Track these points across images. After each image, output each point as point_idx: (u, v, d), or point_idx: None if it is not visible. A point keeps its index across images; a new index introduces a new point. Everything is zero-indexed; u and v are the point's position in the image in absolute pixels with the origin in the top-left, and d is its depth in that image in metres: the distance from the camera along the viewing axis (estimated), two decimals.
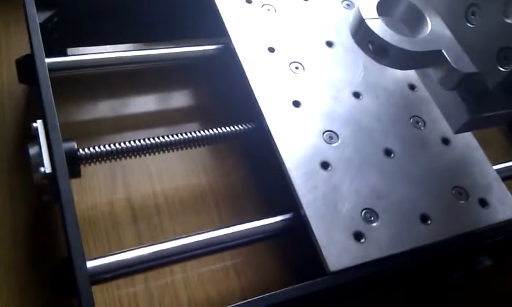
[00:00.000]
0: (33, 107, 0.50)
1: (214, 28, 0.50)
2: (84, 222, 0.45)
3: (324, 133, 0.45)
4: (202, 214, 0.48)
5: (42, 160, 0.38)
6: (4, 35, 0.54)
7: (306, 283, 0.37)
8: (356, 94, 0.49)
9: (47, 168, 0.38)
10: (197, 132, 0.45)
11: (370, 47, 0.42)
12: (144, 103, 0.53)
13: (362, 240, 0.40)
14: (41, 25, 0.45)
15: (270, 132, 0.44)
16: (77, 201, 0.44)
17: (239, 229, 0.40)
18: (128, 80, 0.54)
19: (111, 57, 0.48)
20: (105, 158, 0.43)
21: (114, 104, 0.52)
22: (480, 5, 0.40)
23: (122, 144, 0.43)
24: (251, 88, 0.46)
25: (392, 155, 0.46)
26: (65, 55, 0.50)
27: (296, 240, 0.41)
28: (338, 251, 0.39)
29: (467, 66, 0.41)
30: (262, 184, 0.50)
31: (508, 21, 0.38)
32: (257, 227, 0.41)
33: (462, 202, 0.45)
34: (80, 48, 0.52)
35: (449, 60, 0.41)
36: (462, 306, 0.50)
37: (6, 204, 0.44)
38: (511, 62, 0.38)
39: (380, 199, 0.42)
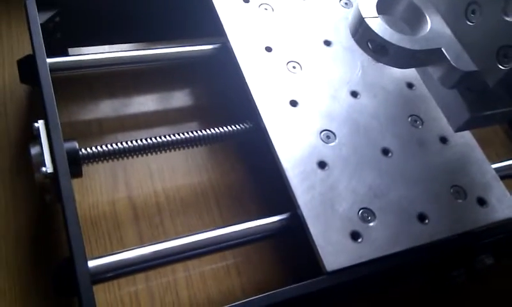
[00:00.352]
0: (35, 107, 0.50)
1: (213, 27, 0.50)
2: (86, 222, 0.45)
3: (321, 132, 0.45)
4: (203, 213, 0.48)
5: (44, 160, 0.38)
6: (5, 35, 0.54)
7: (302, 283, 0.37)
8: (354, 94, 0.49)
9: (48, 168, 0.38)
10: (193, 132, 0.45)
11: (370, 45, 0.42)
12: (145, 103, 0.54)
13: (359, 240, 0.40)
14: (43, 25, 0.46)
15: (267, 132, 0.44)
16: (78, 200, 0.45)
17: (235, 230, 0.40)
18: (128, 79, 0.54)
19: (111, 57, 0.48)
20: (106, 158, 0.43)
21: (115, 104, 0.53)
22: (480, 3, 0.40)
23: (123, 144, 0.43)
24: (248, 88, 0.46)
25: (390, 154, 0.46)
26: (66, 55, 0.50)
27: (298, 239, 0.41)
28: (335, 250, 0.38)
29: (467, 64, 0.41)
30: (264, 183, 0.50)
31: (508, 19, 0.38)
32: (254, 227, 0.41)
33: (460, 201, 0.45)
34: (82, 48, 0.52)
35: (449, 58, 0.41)
36: (464, 305, 0.50)
37: (8, 204, 0.45)
38: (510, 60, 0.38)
39: (377, 199, 0.42)
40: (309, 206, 0.40)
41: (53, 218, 0.44)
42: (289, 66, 0.49)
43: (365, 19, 0.40)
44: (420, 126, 0.49)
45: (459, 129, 0.45)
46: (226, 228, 0.40)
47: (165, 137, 0.44)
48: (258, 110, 0.45)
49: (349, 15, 0.54)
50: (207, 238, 0.39)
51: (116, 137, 0.51)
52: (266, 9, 0.53)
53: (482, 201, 0.45)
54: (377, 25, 0.41)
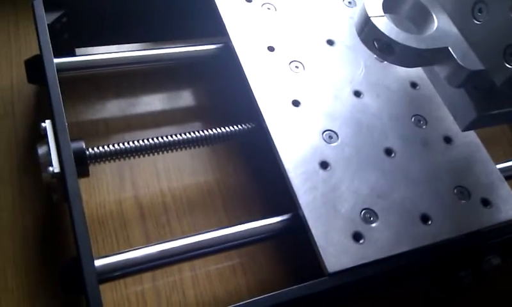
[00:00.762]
0: (42, 107, 0.50)
1: (217, 27, 0.50)
2: (93, 221, 0.45)
3: (323, 132, 0.45)
4: (209, 212, 0.48)
5: (51, 159, 0.39)
6: (13, 36, 0.54)
7: (303, 284, 0.37)
8: (357, 93, 0.49)
9: (55, 168, 0.38)
10: (196, 132, 0.45)
11: (376, 44, 0.41)
12: (151, 103, 0.54)
13: (361, 241, 0.39)
14: (50, 25, 0.46)
15: (269, 132, 0.44)
16: (85, 200, 0.45)
17: (237, 230, 0.40)
18: (135, 79, 0.54)
19: (117, 58, 0.48)
20: (113, 157, 0.43)
21: (122, 103, 0.53)
22: (487, 2, 0.40)
23: (129, 144, 0.43)
24: (250, 88, 0.46)
25: (393, 155, 0.45)
26: (74, 55, 0.50)
27: (303, 239, 0.41)
28: (336, 251, 0.38)
29: (474, 63, 0.41)
30: (269, 183, 0.50)
31: None
32: (256, 228, 0.41)
33: (464, 202, 0.44)
34: (89, 48, 0.53)
35: (455, 57, 0.40)
36: (471, 305, 0.49)
37: (16, 203, 0.45)
38: None
39: (380, 199, 0.42)
40: (311, 207, 0.40)
41: (60, 217, 0.45)
42: (292, 66, 0.49)
43: (371, 18, 0.40)
44: (424, 126, 0.48)
45: (466, 128, 0.45)
46: (229, 229, 0.40)
47: (170, 137, 0.44)
48: (260, 110, 0.45)
49: (353, 14, 0.55)
50: (210, 238, 0.39)
51: (123, 136, 0.51)
52: (269, 8, 0.52)
53: (486, 202, 0.44)
54: (384, 24, 0.41)
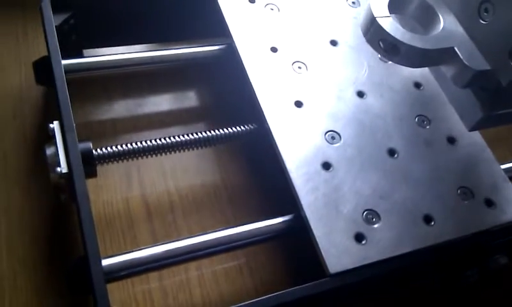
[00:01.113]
0: (51, 108, 0.51)
1: (222, 28, 0.51)
2: (100, 220, 0.45)
3: (326, 133, 0.45)
4: (216, 212, 0.48)
5: (59, 160, 0.39)
6: (22, 37, 0.55)
7: (304, 285, 0.37)
8: (360, 94, 0.49)
9: (63, 168, 0.39)
10: (197, 134, 0.45)
11: (381, 45, 0.41)
12: (158, 103, 0.54)
13: (363, 242, 0.39)
14: (58, 27, 0.46)
15: (271, 133, 0.44)
16: (93, 199, 0.46)
17: (238, 231, 0.40)
18: (142, 80, 0.55)
19: (124, 59, 0.49)
20: (121, 158, 0.44)
21: (129, 104, 0.53)
22: (494, 2, 0.40)
23: (136, 145, 0.44)
24: (252, 89, 0.46)
25: (396, 155, 0.45)
26: (82, 56, 0.51)
27: (307, 240, 0.41)
28: (338, 252, 0.38)
29: (480, 63, 0.41)
30: (275, 182, 0.50)
31: None
32: (257, 228, 0.41)
33: (467, 202, 0.44)
34: (96, 49, 0.53)
35: (461, 57, 0.40)
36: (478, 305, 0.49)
37: (24, 202, 0.45)
38: None
39: (382, 200, 0.42)
40: (312, 208, 0.40)
41: (68, 217, 0.45)
42: (294, 67, 0.49)
43: (376, 18, 0.40)
44: (427, 127, 0.48)
45: (472, 128, 0.45)
46: (232, 229, 0.41)
47: (175, 137, 0.44)
48: (262, 111, 0.45)
49: (357, 14, 0.55)
50: (214, 239, 0.39)
51: (130, 136, 0.51)
52: (272, 9, 0.52)
53: (490, 202, 0.44)
54: (389, 24, 0.41)
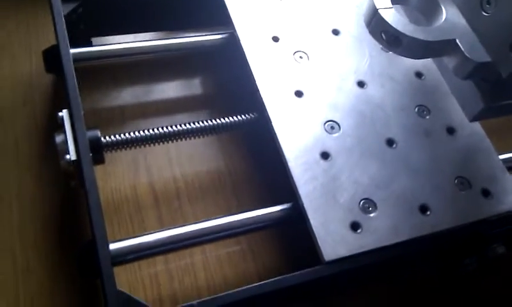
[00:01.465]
0: (60, 95, 0.52)
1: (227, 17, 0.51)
2: (109, 206, 0.47)
3: (325, 123, 0.45)
4: (220, 198, 0.50)
5: (68, 147, 0.40)
6: (32, 26, 0.56)
7: (299, 272, 0.38)
8: (361, 84, 0.49)
9: (72, 156, 0.40)
10: (197, 123, 0.46)
11: (384, 36, 0.42)
12: (164, 90, 0.55)
13: (359, 230, 0.40)
14: (66, 17, 0.47)
15: (271, 122, 0.45)
16: (101, 185, 0.47)
17: (240, 218, 0.41)
18: (148, 68, 0.56)
19: (131, 47, 0.50)
20: (128, 145, 0.45)
21: (137, 91, 0.54)
22: None
23: (143, 132, 0.45)
24: (253, 78, 0.47)
25: (394, 145, 0.46)
26: (90, 44, 0.52)
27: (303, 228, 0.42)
28: (334, 241, 0.39)
29: (481, 55, 0.41)
30: (279, 170, 0.51)
31: None
32: (257, 216, 0.42)
33: (464, 192, 0.44)
34: (104, 37, 0.54)
35: (462, 49, 0.41)
36: (473, 296, 0.50)
37: (36, 188, 0.47)
38: None
39: (379, 190, 0.42)
40: (310, 197, 0.41)
41: (78, 202, 0.47)
42: (296, 56, 0.49)
43: (378, 10, 0.41)
44: (427, 117, 0.48)
45: (473, 119, 0.45)
46: (233, 216, 0.42)
47: (180, 126, 0.45)
48: (262, 100, 0.46)
49: (360, 3, 0.55)
50: (216, 225, 0.41)
51: (138, 123, 0.52)
52: None
53: (486, 192, 0.45)
54: (391, 16, 0.41)
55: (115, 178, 0.49)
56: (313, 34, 0.51)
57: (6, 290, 0.42)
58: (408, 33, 0.40)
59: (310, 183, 0.42)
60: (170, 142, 0.46)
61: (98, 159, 0.43)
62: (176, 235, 0.40)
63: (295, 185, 0.41)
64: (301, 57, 0.49)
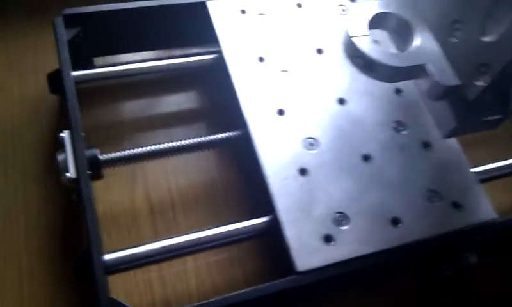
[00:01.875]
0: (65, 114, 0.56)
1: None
2: (107, 217, 0.50)
3: (305, 140, 0.48)
4: (212, 209, 0.53)
5: (68, 166, 0.44)
6: (40, 48, 0.60)
7: (272, 282, 0.41)
8: (342, 101, 0.51)
9: (72, 174, 0.44)
10: (183, 141, 0.49)
11: (359, 61, 0.45)
12: (160, 106, 0.59)
13: (332, 243, 0.43)
14: (69, 41, 0.51)
15: (253, 140, 0.47)
16: (101, 197, 0.51)
17: (222, 231, 0.44)
18: (145, 87, 0.59)
19: (129, 69, 0.53)
20: (125, 162, 0.48)
21: (134, 108, 0.58)
22: (463, 21, 0.43)
23: (139, 149, 0.48)
24: (237, 97, 0.49)
25: (370, 160, 0.48)
26: (91, 67, 0.55)
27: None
28: (307, 252, 0.42)
29: (450, 79, 0.43)
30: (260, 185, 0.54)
31: (484, 39, 0.40)
32: (240, 228, 0.45)
33: (435, 205, 0.46)
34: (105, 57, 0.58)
35: (433, 73, 0.43)
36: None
37: (41, 200, 0.51)
38: (487, 77, 0.41)
39: (353, 203, 0.45)
40: (286, 211, 0.43)
41: (79, 212, 0.50)
42: (280, 76, 0.51)
43: (351, 38, 0.44)
44: (403, 132, 0.50)
45: (447, 136, 0.47)
46: (215, 229, 0.44)
47: (166, 144, 0.49)
48: (245, 119, 0.48)
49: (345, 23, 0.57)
50: (199, 238, 0.44)
51: (136, 136, 0.56)
52: (262, 19, 0.55)
53: (457, 205, 0.47)
54: (365, 43, 0.44)
55: (114, 191, 0.52)
56: (299, 54, 0.53)
57: (11, 293, 0.46)
58: (380, 60, 0.43)
59: (287, 198, 0.44)
60: (161, 158, 0.49)
61: (97, 176, 0.47)
62: (166, 246, 0.43)
63: (273, 199, 0.44)
64: (285, 76, 0.51)
